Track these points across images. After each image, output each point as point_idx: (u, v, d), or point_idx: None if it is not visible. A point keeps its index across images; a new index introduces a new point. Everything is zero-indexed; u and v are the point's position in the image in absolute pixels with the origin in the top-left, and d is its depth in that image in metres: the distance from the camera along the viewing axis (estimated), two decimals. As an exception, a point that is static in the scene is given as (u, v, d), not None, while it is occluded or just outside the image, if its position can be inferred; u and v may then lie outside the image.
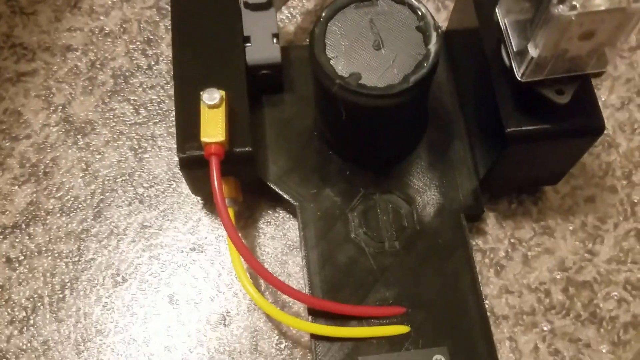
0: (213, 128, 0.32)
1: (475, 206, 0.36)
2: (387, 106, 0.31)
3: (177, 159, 0.32)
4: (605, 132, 0.40)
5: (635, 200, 0.38)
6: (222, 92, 0.32)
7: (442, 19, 0.43)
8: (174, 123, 0.35)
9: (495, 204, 0.38)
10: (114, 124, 0.40)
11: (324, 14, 0.32)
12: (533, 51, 0.28)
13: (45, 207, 0.38)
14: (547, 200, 0.38)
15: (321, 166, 0.37)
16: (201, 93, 0.32)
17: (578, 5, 0.25)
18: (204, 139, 0.31)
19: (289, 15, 0.43)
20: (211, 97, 0.32)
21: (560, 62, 0.29)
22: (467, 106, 0.37)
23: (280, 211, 0.38)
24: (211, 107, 0.32)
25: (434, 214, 0.35)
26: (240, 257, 0.32)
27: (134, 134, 0.40)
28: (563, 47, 0.27)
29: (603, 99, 0.41)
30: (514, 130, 0.31)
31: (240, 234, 0.34)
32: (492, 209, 0.38)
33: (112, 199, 0.38)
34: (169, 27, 0.42)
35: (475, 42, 0.33)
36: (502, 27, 0.30)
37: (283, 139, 0.37)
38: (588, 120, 0.31)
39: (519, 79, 0.29)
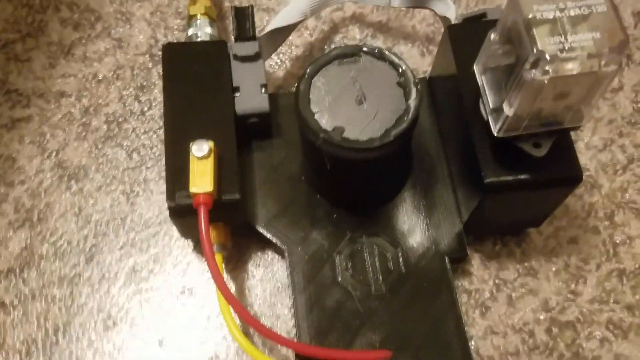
0: (202, 179, 0.32)
1: (459, 249, 0.36)
2: (370, 158, 0.32)
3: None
4: (588, 173, 0.40)
5: (618, 241, 0.39)
6: (211, 143, 0.33)
7: (427, 64, 0.44)
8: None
9: (479, 244, 0.39)
10: (107, 169, 0.41)
11: (308, 70, 0.33)
12: (508, 110, 0.28)
13: (39, 252, 0.38)
14: (530, 241, 0.39)
15: (309, 210, 0.37)
16: (191, 145, 0.32)
17: (550, 70, 0.26)
18: (193, 189, 0.32)
19: (278, 61, 0.44)
20: (200, 148, 0.32)
21: (536, 119, 0.29)
22: (450, 150, 0.38)
23: (269, 253, 0.39)
24: (200, 158, 0.32)
25: (419, 256, 0.36)
26: (228, 304, 0.33)
27: (127, 179, 0.40)
28: (538, 107, 0.28)
29: (586, 141, 0.42)
30: (492, 180, 0.32)
31: (229, 276, 0.35)
32: (477, 250, 0.39)
33: (104, 243, 0.39)
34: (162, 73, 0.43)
35: (456, 92, 0.34)
36: (480, 84, 0.31)
37: (272, 183, 0.38)
38: (565, 171, 0.32)
39: (495, 134, 0.30)
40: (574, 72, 0.26)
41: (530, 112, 0.28)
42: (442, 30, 0.38)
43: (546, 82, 0.26)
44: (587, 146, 0.42)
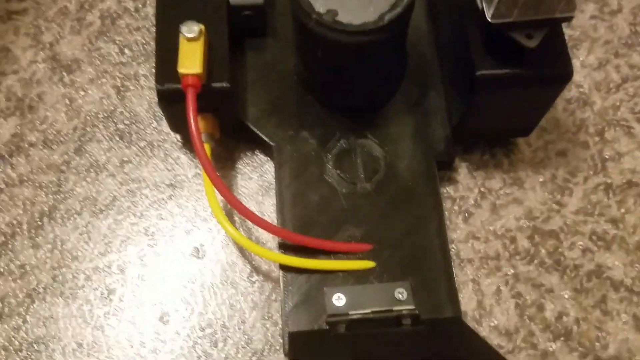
0: (191, 60, 0.31)
1: (447, 153, 0.36)
2: (362, 43, 0.31)
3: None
4: (581, 89, 0.40)
5: (607, 156, 0.39)
6: (202, 26, 0.32)
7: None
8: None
9: (468, 154, 0.38)
10: (98, 62, 0.40)
11: (302, -49, 0.32)
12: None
13: (29, 139, 0.38)
14: (519, 152, 0.38)
15: (299, 109, 0.37)
16: (180, 25, 0.32)
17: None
18: (181, 70, 0.31)
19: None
20: (190, 29, 0.32)
21: (529, 2, 0.29)
22: (445, 55, 0.37)
23: (258, 154, 0.38)
24: (190, 39, 0.32)
25: (407, 158, 0.36)
26: (215, 190, 0.32)
27: (118, 73, 0.40)
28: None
29: (581, 59, 0.41)
30: (484, 73, 0.31)
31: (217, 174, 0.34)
32: (465, 160, 0.38)
33: (93, 134, 0.38)
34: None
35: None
36: (474, -35, 0.30)
37: (263, 82, 0.37)
38: (556, 66, 0.31)
39: (488, 19, 0.29)
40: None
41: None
42: None
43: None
44: (582, 64, 0.41)
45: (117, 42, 0.40)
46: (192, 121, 0.31)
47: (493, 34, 0.30)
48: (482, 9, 0.30)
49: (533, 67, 0.31)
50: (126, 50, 0.40)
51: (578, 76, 0.41)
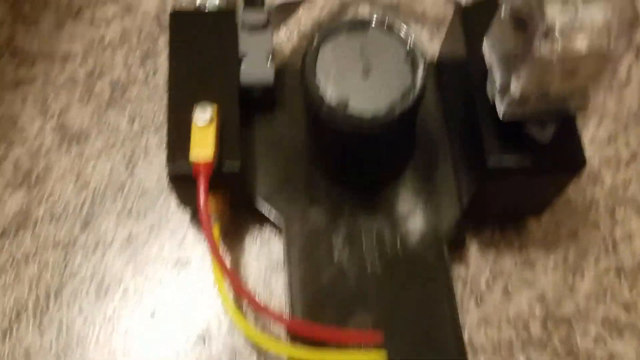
0: (203, 147, 0.31)
1: (457, 235, 0.35)
2: (372, 134, 0.31)
3: (167, 173, 0.32)
4: (591, 167, 0.39)
5: (617, 237, 0.38)
6: (215, 107, 0.31)
7: (435, 48, 0.42)
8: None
9: (478, 232, 0.38)
10: (108, 133, 0.39)
11: (315, 39, 0.31)
12: (515, 88, 0.27)
13: (35, 214, 0.37)
14: (529, 232, 0.38)
15: (308, 187, 0.36)
16: (194, 107, 0.31)
17: (560, 43, 0.25)
18: (193, 158, 0.31)
19: (284, 38, 0.43)
20: (203, 115, 0.31)
21: (542, 101, 0.28)
22: (454, 135, 0.36)
23: (267, 229, 0.38)
24: (202, 126, 0.31)
25: (417, 240, 0.35)
26: (223, 275, 0.32)
27: (127, 145, 0.39)
28: (545, 86, 0.27)
29: (590, 134, 0.41)
30: (495, 165, 0.30)
31: (225, 249, 0.34)
32: (475, 237, 0.38)
33: (101, 209, 0.38)
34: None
35: (464, 73, 0.33)
36: (487, 64, 0.29)
37: (272, 158, 0.36)
38: (569, 157, 0.31)
39: (500, 118, 0.29)
40: (584, 47, 0.25)
41: (537, 92, 0.27)
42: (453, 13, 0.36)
43: (555, 57, 0.25)
44: (591, 140, 0.41)
45: (127, 112, 0.40)
46: (202, 210, 0.31)
47: (505, 126, 0.30)
48: (494, 103, 0.30)
49: (545, 158, 0.30)
50: (136, 121, 0.40)
51: (587, 152, 0.40)
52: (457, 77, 0.35)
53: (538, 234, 0.38)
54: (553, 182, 0.32)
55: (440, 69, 0.38)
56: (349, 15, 0.44)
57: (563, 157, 0.31)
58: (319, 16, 0.43)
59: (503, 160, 0.30)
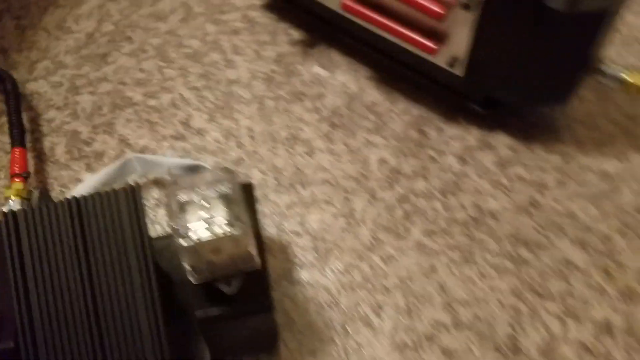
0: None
1: None
2: None
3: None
4: (330, 293, 0.48)
5: (350, 349, 0.46)
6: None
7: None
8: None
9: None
10: None
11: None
12: (186, 264, 0.36)
13: None
14: (278, 355, 0.46)
15: None
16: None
17: (191, 239, 0.34)
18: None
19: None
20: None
21: (215, 267, 0.37)
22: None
23: None
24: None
25: None
26: None
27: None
28: (205, 261, 0.36)
29: (331, 267, 0.50)
30: (200, 314, 0.39)
31: None
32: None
33: None
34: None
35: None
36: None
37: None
38: (257, 303, 0.40)
39: (194, 282, 0.38)
40: (204, 240, 0.34)
41: (203, 265, 0.37)
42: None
43: (190, 246, 0.34)
44: (332, 270, 0.50)
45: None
46: None
47: (201, 285, 0.39)
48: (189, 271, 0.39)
49: (236, 305, 0.39)
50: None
51: (327, 282, 0.49)
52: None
53: (284, 355, 0.46)
54: (249, 323, 0.41)
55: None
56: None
57: (253, 302, 0.39)
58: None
59: (205, 309, 0.39)
